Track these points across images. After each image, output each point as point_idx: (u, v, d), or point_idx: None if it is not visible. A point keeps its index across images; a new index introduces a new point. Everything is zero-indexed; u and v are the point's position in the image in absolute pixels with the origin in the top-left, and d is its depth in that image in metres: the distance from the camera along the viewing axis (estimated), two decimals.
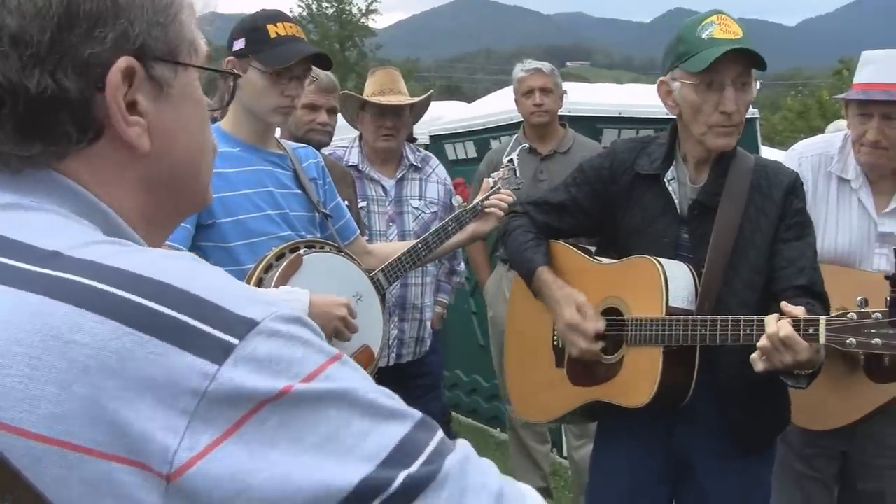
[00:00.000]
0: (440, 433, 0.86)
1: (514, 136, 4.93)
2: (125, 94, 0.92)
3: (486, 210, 3.38)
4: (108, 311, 0.79)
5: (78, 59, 0.88)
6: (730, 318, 2.60)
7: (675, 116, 2.89)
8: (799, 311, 2.48)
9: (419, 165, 4.67)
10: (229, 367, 0.78)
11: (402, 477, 0.80)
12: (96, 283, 0.80)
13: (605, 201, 2.95)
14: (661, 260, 2.74)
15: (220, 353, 0.79)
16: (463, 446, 0.86)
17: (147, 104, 0.94)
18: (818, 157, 3.49)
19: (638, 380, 2.73)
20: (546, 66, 5.44)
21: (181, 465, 0.76)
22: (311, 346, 0.83)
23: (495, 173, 3.70)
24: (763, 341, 2.44)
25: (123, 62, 0.91)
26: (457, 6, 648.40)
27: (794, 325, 2.44)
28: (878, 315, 2.36)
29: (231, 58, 2.92)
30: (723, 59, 2.64)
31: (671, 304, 2.69)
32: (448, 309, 5.34)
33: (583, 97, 7.76)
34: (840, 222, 3.35)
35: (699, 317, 2.65)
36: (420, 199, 4.63)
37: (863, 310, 2.40)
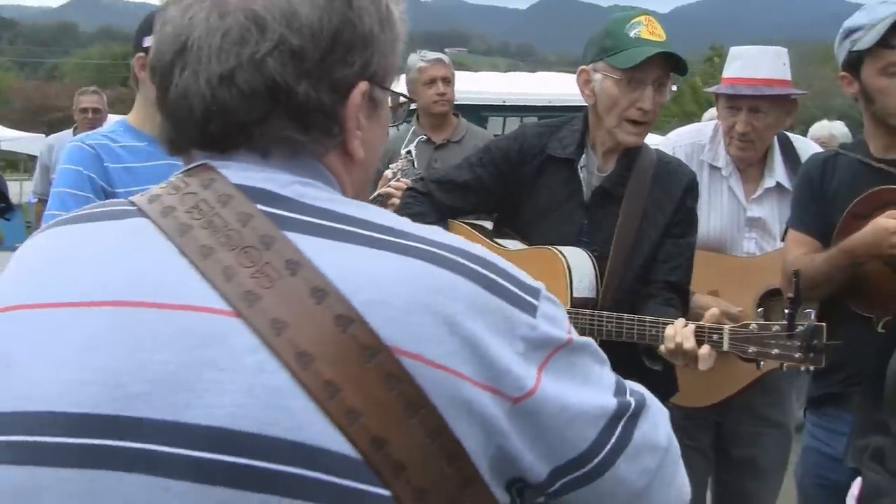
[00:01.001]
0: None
1: (412, 128, 5.07)
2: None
3: (388, 203, 3.51)
4: (471, 277, 1.03)
5: (333, 78, 1.08)
6: (636, 317, 2.71)
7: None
8: (714, 312, 2.63)
9: None
10: (541, 320, 1.06)
11: (632, 401, 1.14)
12: (449, 255, 1.04)
13: (511, 183, 3.00)
14: (563, 251, 2.84)
15: (532, 310, 1.06)
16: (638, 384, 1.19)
17: (364, 121, 1.13)
18: (690, 145, 3.66)
19: None
20: (445, 56, 5.56)
21: (527, 391, 1.02)
22: (560, 305, 1.13)
23: (393, 164, 3.83)
24: (669, 345, 2.56)
25: (364, 86, 1.10)
26: None
27: (699, 332, 2.57)
28: (777, 328, 2.48)
29: (140, 55, 2.95)
30: (648, 59, 2.76)
31: (575, 294, 2.78)
32: None
33: (467, 86, 7.91)
34: (712, 208, 3.51)
35: (605, 313, 2.75)
36: None
37: (762, 322, 2.54)
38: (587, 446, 1.09)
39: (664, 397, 3.09)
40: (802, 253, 2.89)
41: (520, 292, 1.07)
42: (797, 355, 2.44)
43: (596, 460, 1.09)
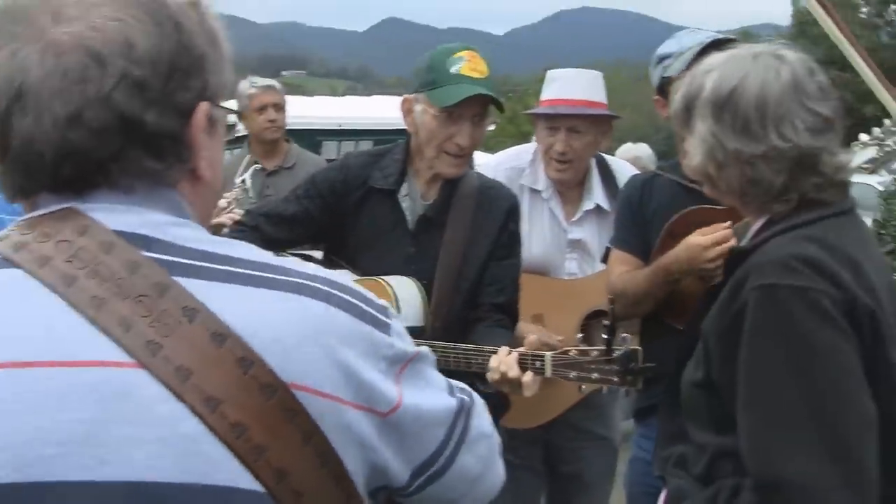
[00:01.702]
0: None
1: (246, 157, 5.00)
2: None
3: (219, 234, 3.45)
4: (341, 306, 1.10)
5: (177, 103, 1.07)
6: (462, 346, 2.73)
7: (397, 129, 2.99)
8: (532, 339, 2.68)
9: None
10: (395, 337, 1.16)
11: (464, 398, 1.27)
12: (320, 286, 1.10)
13: (337, 213, 2.99)
14: (389, 281, 2.85)
15: (387, 329, 1.15)
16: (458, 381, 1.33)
17: (206, 140, 1.13)
18: (511, 169, 3.71)
19: None
20: (276, 82, 5.56)
21: (393, 406, 1.12)
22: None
23: (227, 194, 3.78)
24: (495, 376, 2.60)
25: (205, 106, 1.11)
26: None
27: (522, 360, 2.60)
28: (596, 353, 2.54)
29: None
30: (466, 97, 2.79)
31: (403, 324, 2.81)
32: None
33: (301, 111, 7.85)
34: (534, 232, 3.56)
35: (434, 342, 2.74)
36: None
37: (582, 347, 2.61)
38: (437, 445, 1.20)
39: (496, 416, 3.18)
40: (624, 271, 3.00)
41: (376, 313, 1.15)
42: (615, 378, 2.51)
43: (444, 456, 1.21)
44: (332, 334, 1.07)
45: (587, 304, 3.43)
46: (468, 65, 2.85)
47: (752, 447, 1.76)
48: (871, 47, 25.71)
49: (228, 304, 1.02)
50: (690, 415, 1.99)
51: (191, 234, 1.09)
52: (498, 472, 1.37)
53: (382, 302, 1.19)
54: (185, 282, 1.02)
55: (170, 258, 1.04)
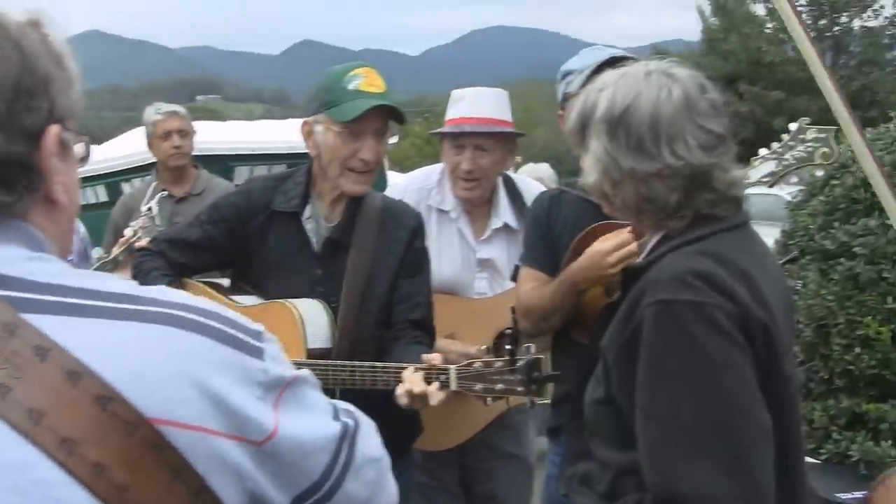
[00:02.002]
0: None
1: (153, 184, 4.93)
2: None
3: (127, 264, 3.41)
4: (208, 333, 1.07)
5: (23, 126, 1.03)
6: (367, 364, 2.73)
7: (307, 152, 3.00)
8: (435, 358, 2.68)
9: None
10: (269, 362, 1.13)
11: (350, 422, 1.24)
12: (186, 314, 1.07)
13: (241, 238, 2.99)
14: (295, 304, 2.82)
15: (259, 354, 1.12)
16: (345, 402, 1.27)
17: (60, 164, 1.08)
18: (419, 190, 3.72)
19: None
20: (181, 108, 5.51)
21: (268, 434, 1.09)
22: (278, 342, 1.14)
23: (134, 222, 3.72)
24: (403, 400, 2.60)
25: (56, 129, 1.06)
26: (79, 41, 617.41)
27: (427, 374, 2.61)
28: (500, 364, 2.57)
29: None
30: (367, 112, 2.81)
31: (310, 346, 2.79)
32: None
33: (214, 135, 7.78)
34: (443, 252, 3.56)
35: (339, 363, 2.76)
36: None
37: (486, 359, 2.63)
38: (321, 472, 1.18)
39: (409, 440, 3.15)
40: (532, 287, 3.00)
41: (248, 338, 1.13)
42: (520, 388, 2.53)
43: (329, 483, 1.19)
44: (199, 363, 1.04)
45: (498, 322, 3.43)
46: (365, 81, 2.88)
47: (650, 462, 1.76)
48: (778, 61, 26.45)
49: (85, 339, 0.99)
50: (594, 432, 1.99)
51: (46, 268, 1.05)
52: (389, 495, 1.36)
53: (256, 326, 1.16)
54: (36, 319, 0.98)
55: (19, 295, 1.00)
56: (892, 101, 22.13)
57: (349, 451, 1.22)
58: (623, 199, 1.97)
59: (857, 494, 3.58)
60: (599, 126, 1.96)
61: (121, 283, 1.09)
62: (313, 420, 1.18)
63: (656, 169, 1.90)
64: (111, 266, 3.59)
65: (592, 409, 1.98)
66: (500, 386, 2.55)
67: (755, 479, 1.72)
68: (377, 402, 2.84)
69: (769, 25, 29.02)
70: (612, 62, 2.76)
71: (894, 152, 4.78)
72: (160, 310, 1.06)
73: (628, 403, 1.83)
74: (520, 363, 2.51)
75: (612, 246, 2.75)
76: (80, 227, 4.69)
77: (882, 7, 28.44)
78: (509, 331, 2.54)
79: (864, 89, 26.23)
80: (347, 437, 1.23)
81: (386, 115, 2.91)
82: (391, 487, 1.37)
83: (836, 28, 28.63)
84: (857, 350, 4.50)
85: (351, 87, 2.86)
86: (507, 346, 2.54)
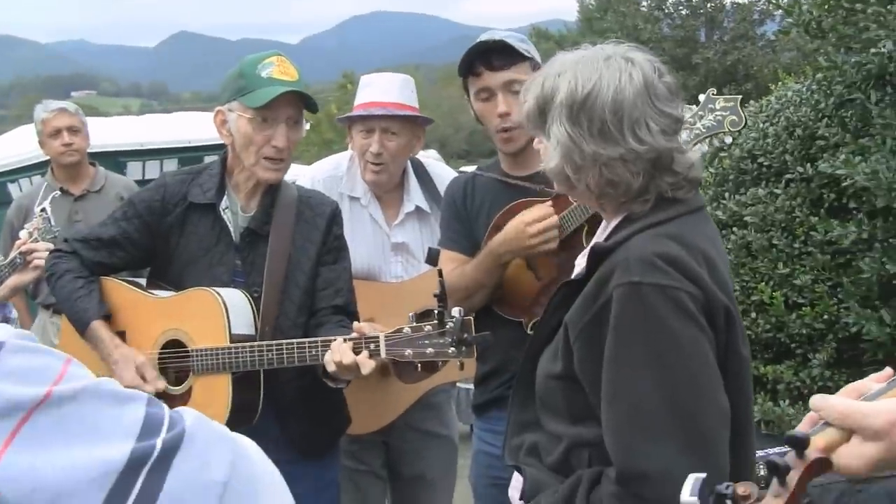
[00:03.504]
0: (166, 406, 1.02)
1: (45, 184, 4.82)
2: None
3: (29, 262, 3.35)
4: None
5: None
6: (294, 341, 2.76)
7: (201, 146, 3.03)
8: (365, 328, 2.71)
9: None
10: (2, 384, 0.91)
11: (159, 442, 0.96)
12: None
13: (158, 233, 2.97)
14: (218, 290, 2.85)
15: None
16: (191, 410, 1.02)
17: None
18: (329, 178, 3.74)
19: (209, 406, 2.79)
20: (70, 105, 5.41)
21: None
22: (48, 353, 0.96)
23: (29, 224, 3.64)
24: (332, 367, 2.64)
25: None
26: None
27: (356, 344, 2.64)
28: (429, 327, 2.57)
29: None
30: (279, 98, 2.82)
31: (234, 331, 2.80)
32: None
33: (103, 132, 7.64)
34: (356, 238, 3.55)
35: (265, 342, 2.79)
36: None
37: (415, 324, 2.63)
38: None
39: (337, 433, 3.18)
40: (453, 268, 3.05)
41: None
42: (450, 350, 2.55)
43: None
44: None
45: (416, 304, 3.43)
46: (277, 68, 2.90)
47: (615, 441, 1.82)
48: (655, 39, 27.04)
49: None
50: (545, 405, 2.03)
51: None
52: None
53: None
54: None
55: None
56: (766, 75, 22.92)
57: (150, 482, 0.94)
58: (586, 182, 1.98)
59: (761, 453, 3.72)
60: (561, 111, 1.96)
61: None
62: (82, 446, 0.93)
63: (619, 153, 1.92)
64: (9, 269, 3.51)
65: (546, 381, 2.02)
66: (430, 350, 2.57)
67: (715, 457, 1.80)
68: (307, 402, 2.90)
69: (644, 3, 29.62)
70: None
71: (777, 123, 5.00)
72: None
73: (591, 380, 1.87)
74: (449, 325, 2.53)
75: (532, 217, 2.83)
76: None
77: None
78: (437, 294, 2.56)
79: (739, 63, 26.98)
80: (149, 462, 0.95)
81: (299, 103, 2.93)
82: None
83: (709, 4, 29.37)
84: (753, 315, 4.71)
85: (264, 74, 2.88)
86: (436, 310, 2.56)
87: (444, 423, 3.84)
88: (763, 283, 4.69)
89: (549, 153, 2.01)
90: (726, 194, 5.12)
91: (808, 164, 4.63)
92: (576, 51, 2.07)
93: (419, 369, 2.70)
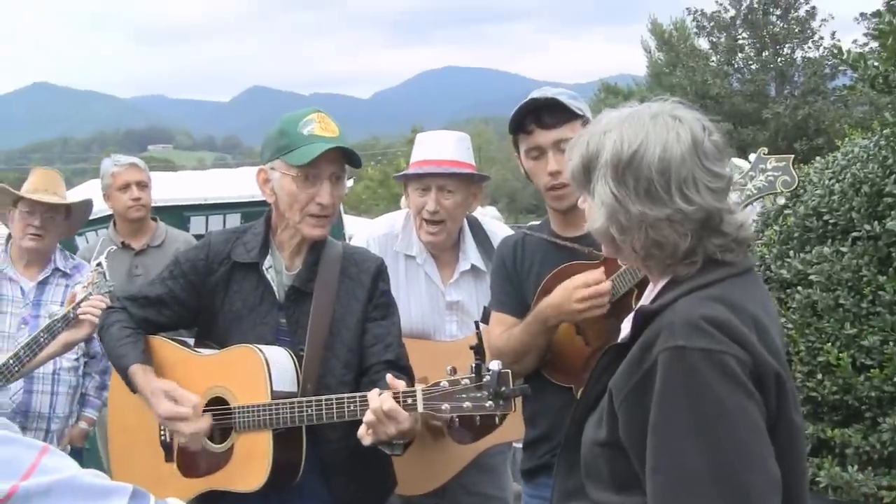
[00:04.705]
0: (152, 497, 0.96)
1: (102, 238, 4.87)
2: None
3: (80, 317, 3.37)
4: None
5: None
6: (333, 396, 2.73)
7: (264, 200, 2.99)
8: (400, 384, 2.66)
9: (68, 272, 4.42)
10: None
11: None
12: None
13: (203, 292, 2.99)
14: (261, 347, 2.84)
15: None
16: (176, 500, 0.99)
17: None
18: (384, 236, 3.74)
19: (251, 464, 2.80)
20: (139, 160, 5.47)
21: None
22: (19, 442, 0.90)
23: (82, 279, 3.68)
24: (369, 416, 2.58)
25: None
26: (28, 93, 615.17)
27: (394, 397, 2.59)
28: (467, 381, 2.51)
29: None
30: (322, 155, 2.80)
31: (275, 388, 2.79)
32: None
33: (168, 186, 7.74)
34: (411, 297, 3.56)
35: (305, 398, 2.76)
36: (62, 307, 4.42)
37: (453, 377, 2.57)
38: None
39: (384, 494, 3.13)
40: (502, 331, 3.00)
41: None
42: (488, 404, 2.49)
43: None
44: None
45: (470, 362, 3.43)
46: (319, 125, 2.89)
47: None
48: (725, 94, 26.87)
49: None
50: (590, 473, 1.95)
51: None
52: None
53: None
54: None
55: None
56: (838, 130, 22.58)
57: None
58: (631, 244, 1.92)
59: None
60: (606, 170, 1.90)
61: None
62: None
63: (666, 214, 1.85)
64: (62, 324, 3.54)
65: (591, 449, 1.94)
66: (467, 404, 2.52)
67: None
68: (354, 461, 2.85)
69: (714, 58, 29.51)
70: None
71: (843, 180, 4.87)
72: None
73: (636, 448, 1.80)
74: (486, 378, 2.48)
75: (582, 282, 2.77)
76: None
77: (822, 38, 29.08)
78: (472, 347, 2.51)
79: (810, 118, 26.69)
80: None
81: (341, 158, 2.92)
82: None
83: (780, 59, 29.16)
84: (819, 376, 4.55)
85: (305, 131, 2.86)
86: (473, 364, 2.50)
87: (499, 486, 3.78)
88: (829, 344, 4.53)
89: (594, 213, 1.95)
90: (791, 252, 4.99)
91: (876, 222, 4.49)
92: (622, 108, 2.01)
93: (457, 424, 2.65)
